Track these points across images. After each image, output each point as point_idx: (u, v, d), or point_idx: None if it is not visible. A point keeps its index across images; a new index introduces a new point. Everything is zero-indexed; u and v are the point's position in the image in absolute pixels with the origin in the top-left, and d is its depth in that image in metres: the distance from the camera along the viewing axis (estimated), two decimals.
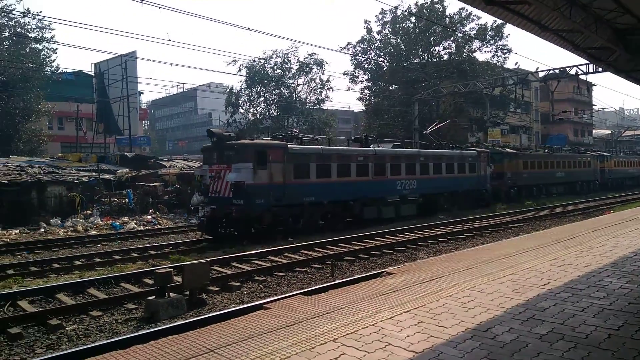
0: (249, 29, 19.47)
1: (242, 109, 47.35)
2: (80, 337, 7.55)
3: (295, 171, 17.36)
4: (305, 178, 17.81)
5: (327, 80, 47.03)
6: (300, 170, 17.63)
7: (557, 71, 32.91)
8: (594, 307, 5.93)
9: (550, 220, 22.19)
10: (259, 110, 47.20)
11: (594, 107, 72.50)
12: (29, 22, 35.12)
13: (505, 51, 44.81)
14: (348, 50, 45.63)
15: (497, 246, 11.58)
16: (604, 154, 48.86)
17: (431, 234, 17.03)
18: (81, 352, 6.24)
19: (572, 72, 31.70)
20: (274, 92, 46.50)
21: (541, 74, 34.62)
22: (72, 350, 6.51)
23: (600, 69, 26.13)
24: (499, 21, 41.73)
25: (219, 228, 16.56)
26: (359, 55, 45.90)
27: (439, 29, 43.58)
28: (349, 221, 20.05)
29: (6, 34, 34.80)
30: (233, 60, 44.04)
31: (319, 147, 19.58)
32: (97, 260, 13.62)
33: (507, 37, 44.49)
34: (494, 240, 15.78)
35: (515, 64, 50.47)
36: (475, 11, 42.53)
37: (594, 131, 77.44)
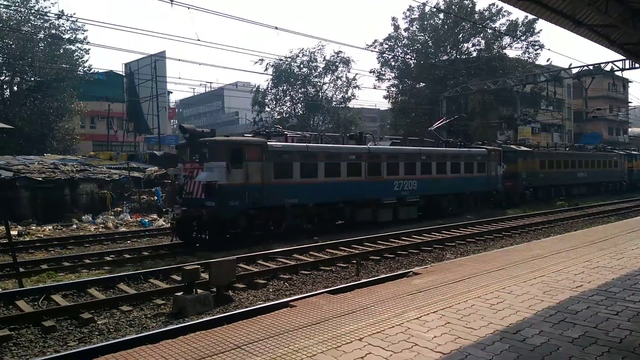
0: (276, 28, 19.47)
1: (269, 107, 47.64)
2: (111, 331, 7.72)
3: (276, 170, 16.12)
4: (288, 178, 16.51)
5: (354, 79, 46.90)
6: (282, 169, 16.33)
7: (591, 67, 32.06)
8: (628, 311, 5.75)
9: (582, 221, 21.60)
10: (285, 108, 47.41)
11: (629, 104, 70.25)
12: (63, 23, 36.14)
13: (536, 47, 43.81)
14: (375, 47, 45.38)
15: (527, 247, 11.34)
16: (633, 152, 46.06)
17: (458, 234, 16.79)
18: (112, 346, 6.38)
19: (607, 68, 30.84)
20: (300, 90, 46.62)
21: (574, 71, 33.76)
22: (104, 344, 6.66)
23: (637, 65, 25.31)
24: (530, 17, 40.82)
25: (191, 231, 15.67)
26: (386, 52, 45.58)
27: (468, 25, 42.89)
28: (340, 224, 19.14)
29: (41, 35, 35.87)
30: (260, 59, 44.36)
31: (304, 144, 17.95)
32: (127, 256, 13.94)
33: (538, 33, 43.51)
34: (523, 241, 15.45)
35: (547, 60, 49.30)
36: (506, 7, 41.74)
37: (629, 129, 75.03)
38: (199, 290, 8.63)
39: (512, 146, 30.61)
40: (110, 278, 10.76)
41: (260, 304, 8.68)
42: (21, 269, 11.29)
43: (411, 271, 8.92)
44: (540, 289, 6.86)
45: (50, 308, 8.63)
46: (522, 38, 43.62)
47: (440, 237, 16.09)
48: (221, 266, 9.16)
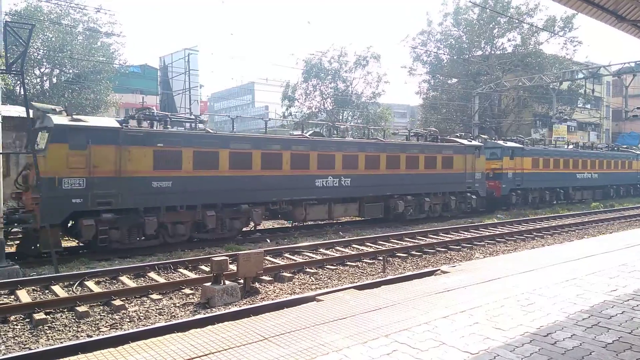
0: (309, 22, 19.45)
1: (298, 102, 47.79)
2: (141, 318, 7.92)
3: None
4: None
5: (384, 74, 46.55)
6: None
7: (632, 64, 30.94)
8: None
9: (618, 224, 20.93)
10: (314, 103, 47.47)
11: None
12: (100, 17, 37.05)
13: (575, 43, 42.47)
14: (407, 42, 44.97)
15: (559, 249, 11.06)
16: (507, 145, 28.70)
17: (488, 234, 16.51)
18: (142, 333, 6.54)
19: None
20: (329, 85, 46.58)
21: (614, 68, 32.68)
22: (134, 331, 6.84)
23: None
24: (569, 12, 39.59)
25: None
26: (418, 47, 45.06)
27: (504, 20, 41.93)
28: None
29: (80, 28, 36.83)
30: (291, 54, 44.55)
31: None
32: (158, 245, 14.23)
33: (577, 28, 42.19)
34: (555, 243, 15.12)
35: (586, 57, 47.81)
36: (544, 1, 40.67)
37: None
38: (227, 282, 8.75)
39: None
40: (141, 266, 11.04)
41: (286, 297, 8.76)
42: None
43: (439, 269, 8.83)
44: (573, 291, 6.68)
45: (84, 294, 8.91)
46: (560, 34, 42.35)
47: (469, 236, 15.85)
48: (249, 258, 9.27)
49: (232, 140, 15.27)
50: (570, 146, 33.15)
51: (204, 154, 14.48)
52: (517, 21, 40.86)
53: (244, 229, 15.96)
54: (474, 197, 22.34)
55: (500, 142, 25.95)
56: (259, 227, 16.80)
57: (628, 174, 35.78)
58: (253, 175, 15.40)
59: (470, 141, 23.14)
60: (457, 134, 25.47)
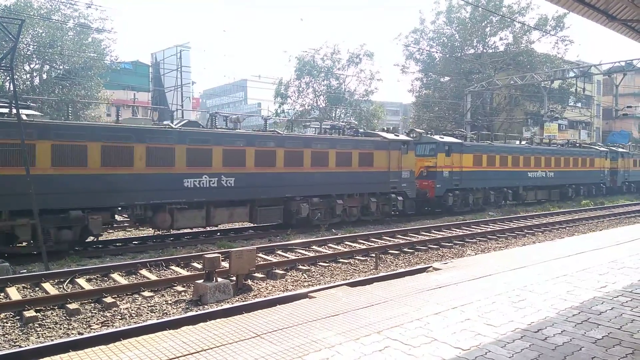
0: (301, 20, 19.37)
1: (291, 99, 47.74)
2: (133, 315, 7.88)
3: None
4: None
5: (377, 72, 46.61)
6: None
7: (622, 64, 31.21)
8: None
9: (608, 221, 21.15)
10: (307, 101, 47.45)
11: None
12: (91, 13, 36.80)
13: (566, 42, 42.75)
14: (400, 40, 45.07)
15: (550, 246, 11.16)
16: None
17: (479, 231, 16.60)
18: (134, 330, 6.51)
19: None
20: (322, 83, 46.57)
21: (605, 67, 32.97)
22: (126, 328, 6.81)
23: None
24: (560, 11, 39.84)
25: None
26: (411, 45, 45.16)
27: (496, 19, 42.13)
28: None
29: (71, 24, 36.49)
30: (284, 51, 44.46)
31: None
32: (150, 243, 14.18)
33: (568, 27, 42.49)
34: (546, 240, 15.23)
35: (577, 56, 48.16)
36: (536, 0, 40.91)
37: None
38: (219, 279, 8.73)
39: None
40: (132, 264, 10.98)
41: (279, 294, 8.76)
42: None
43: (431, 266, 8.89)
44: (563, 288, 6.75)
45: (75, 291, 8.84)
46: (552, 33, 42.62)
47: (461, 233, 15.94)
48: (241, 255, 9.25)
49: (56, 130, 12.25)
50: (524, 142, 30.81)
51: (12, 147, 11.36)
52: (509, 20, 41.06)
53: (90, 240, 13.50)
54: (400, 198, 19.64)
55: (437, 137, 23.22)
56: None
57: (589, 173, 33.40)
58: (88, 173, 12.48)
59: (397, 135, 20.66)
60: (384, 128, 23.19)
